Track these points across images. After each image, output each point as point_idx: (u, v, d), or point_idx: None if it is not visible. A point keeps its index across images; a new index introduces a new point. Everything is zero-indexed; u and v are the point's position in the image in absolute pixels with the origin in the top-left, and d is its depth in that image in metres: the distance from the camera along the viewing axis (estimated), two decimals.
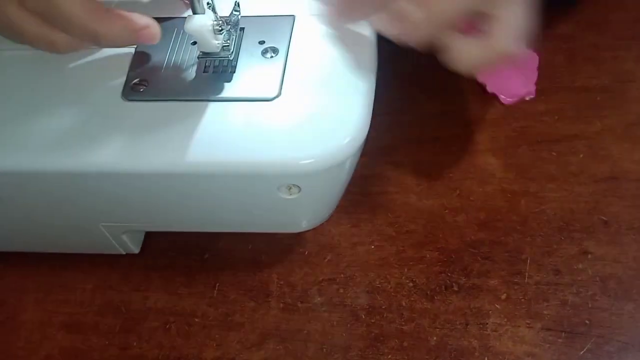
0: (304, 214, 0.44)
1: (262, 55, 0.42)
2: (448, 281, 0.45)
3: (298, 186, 0.39)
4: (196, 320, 0.46)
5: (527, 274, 0.45)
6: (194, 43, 0.42)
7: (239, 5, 0.41)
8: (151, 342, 0.45)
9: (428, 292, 0.45)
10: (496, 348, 0.42)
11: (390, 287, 0.45)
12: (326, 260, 0.47)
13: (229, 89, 0.40)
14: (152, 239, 0.49)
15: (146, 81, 0.41)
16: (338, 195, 0.44)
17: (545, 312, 0.43)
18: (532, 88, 0.51)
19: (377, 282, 0.46)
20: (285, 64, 0.41)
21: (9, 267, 0.50)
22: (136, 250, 0.49)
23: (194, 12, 0.39)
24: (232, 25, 0.41)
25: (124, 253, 0.49)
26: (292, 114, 0.39)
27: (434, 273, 0.46)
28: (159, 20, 0.40)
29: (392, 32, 0.39)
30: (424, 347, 0.43)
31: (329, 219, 0.46)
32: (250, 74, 0.41)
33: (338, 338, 0.44)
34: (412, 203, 0.49)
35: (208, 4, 0.39)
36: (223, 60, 0.41)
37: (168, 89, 0.41)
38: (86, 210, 0.44)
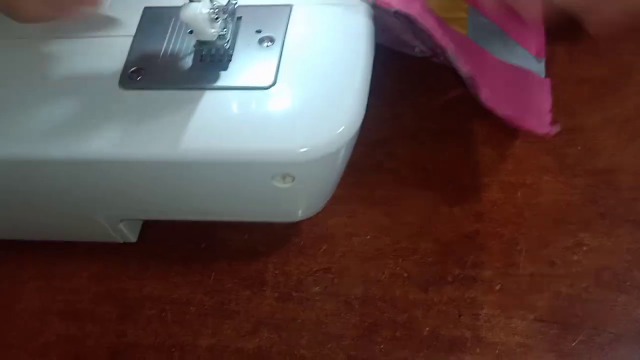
0: (298, 203, 0.44)
1: (259, 44, 0.42)
2: (442, 272, 0.45)
3: (292, 176, 0.40)
4: (192, 308, 0.46)
5: (521, 265, 0.45)
6: (191, 32, 0.42)
7: None
8: (147, 330, 0.46)
9: (422, 283, 0.45)
10: (488, 339, 0.42)
11: (385, 278, 0.46)
12: (321, 250, 0.47)
13: (225, 78, 0.41)
14: (149, 228, 0.50)
15: (143, 70, 0.41)
16: (333, 184, 0.44)
17: (538, 303, 0.43)
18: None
19: (372, 273, 0.46)
20: (282, 53, 0.41)
21: (6, 255, 0.50)
22: (134, 239, 0.49)
23: (190, 0, 0.39)
24: (229, 14, 0.41)
25: (122, 242, 0.49)
26: (287, 102, 0.39)
27: (429, 264, 0.46)
28: (156, 9, 0.40)
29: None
30: (417, 337, 0.43)
31: (325, 210, 0.46)
32: (247, 63, 0.41)
33: (332, 327, 0.44)
34: (407, 194, 0.49)
35: None
36: (219, 48, 0.41)
37: (165, 78, 0.41)
38: (84, 199, 0.45)
